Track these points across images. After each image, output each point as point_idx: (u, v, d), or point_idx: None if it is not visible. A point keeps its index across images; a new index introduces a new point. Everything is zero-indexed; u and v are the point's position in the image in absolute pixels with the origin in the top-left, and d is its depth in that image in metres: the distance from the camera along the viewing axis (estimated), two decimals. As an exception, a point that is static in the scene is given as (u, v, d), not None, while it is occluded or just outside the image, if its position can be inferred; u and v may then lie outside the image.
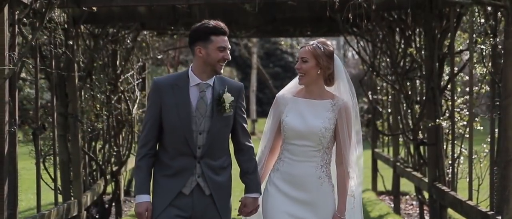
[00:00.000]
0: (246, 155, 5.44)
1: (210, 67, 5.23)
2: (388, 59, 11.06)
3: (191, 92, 5.23)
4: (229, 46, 5.28)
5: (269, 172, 5.60)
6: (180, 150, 5.23)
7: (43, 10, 6.80)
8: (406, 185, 13.10)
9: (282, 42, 28.02)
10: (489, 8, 7.25)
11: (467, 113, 8.57)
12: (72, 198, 8.77)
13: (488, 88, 7.60)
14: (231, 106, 5.25)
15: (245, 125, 5.44)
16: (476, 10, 7.53)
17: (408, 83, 10.44)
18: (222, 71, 5.27)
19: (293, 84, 5.58)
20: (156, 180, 5.31)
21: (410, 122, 10.48)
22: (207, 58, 5.20)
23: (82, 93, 9.50)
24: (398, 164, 12.19)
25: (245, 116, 5.43)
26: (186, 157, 5.23)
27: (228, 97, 5.23)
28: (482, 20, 7.45)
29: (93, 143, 10.38)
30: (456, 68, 8.95)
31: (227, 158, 5.37)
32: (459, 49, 9.22)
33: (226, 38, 5.26)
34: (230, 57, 5.25)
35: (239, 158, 5.44)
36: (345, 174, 5.44)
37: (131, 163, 12.03)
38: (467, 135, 8.18)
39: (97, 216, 10.92)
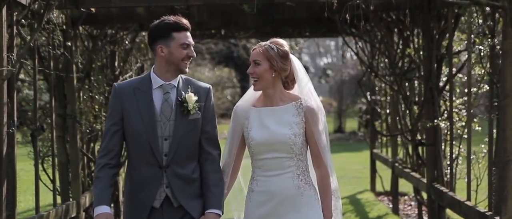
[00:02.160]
0: (210, 165, 4.92)
1: (173, 67, 4.83)
2: (386, 60, 11.06)
3: (155, 95, 4.83)
4: (193, 43, 4.87)
5: (231, 189, 5.16)
6: (145, 159, 4.81)
7: (42, 11, 6.81)
8: (405, 185, 13.11)
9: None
10: (487, 9, 7.26)
11: (466, 113, 8.58)
12: (71, 199, 8.77)
13: (487, 88, 7.61)
14: (196, 108, 4.83)
15: (212, 131, 4.94)
16: (474, 10, 7.53)
17: (406, 84, 10.44)
18: (187, 69, 4.86)
19: (251, 93, 5.14)
20: (126, 195, 4.91)
21: (409, 122, 10.48)
22: (170, 57, 4.81)
23: (81, 94, 9.51)
24: (397, 164, 12.19)
25: (214, 121, 4.97)
26: (151, 167, 4.81)
27: (190, 98, 4.82)
28: (480, 21, 7.45)
29: (92, 144, 10.38)
30: (454, 69, 8.96)
31: (197, 166, 4.93)
32: (457, 50, 9.24)
33: (188, 34, 4.85)
34: (194, 54, 4.86)
35: (202, 168, 4.93)
36: (325, 177, 5.02)
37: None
38: (466, 136, 8.19)
39: (95, 217, 10.90)
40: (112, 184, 4.85)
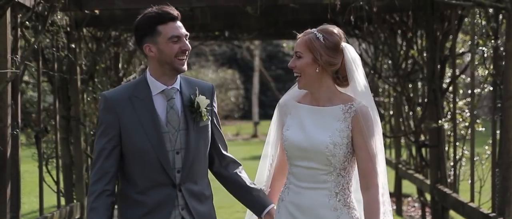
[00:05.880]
0: (237, 167, 4.32)
1: (168, 67, 4.06)
2: (389, 61, 11.07)
3: (156, 103, 4.08)
4: (186, 33, 4.09)
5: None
6: (154, 179, 4.05)
7: (46, 13, 6.82)
8: (408, 187, 13.11)
9: (284, 45, 28.07)
10: (490, 10, 7.26)
11: (469, 114, 8.58)
12: (75, 201, 8.78)
13: (491, 89, 7.61)
14: (208, 112, 4.14)
15: (222, 133, 4.32)
16: (478, 12, 7.54)
17: (410, 85, 10.46)
18: (185, 67, 4.09)
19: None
20: None
21: (412, 124, 10.48)
22: (161, 55, 4.04)
23: (85, 96, 9.51)
24: (400, 166, 12.20)
25: (219, 122, 4.33)
26: (163, 188, 4.06)
27: (202, 101, 4.10)
28: (484, 22, 7.46)
29: (96, 146, 10.38)
30: (457, 70, 8.97)
31: (208, 182, 4.25)
32: (460, 51, 9.24)
33: (177, 24, 4.06)
34: (189, 46, 4.06)
35: (232, 172, 4.30)
36: (375, 202, 4.03)
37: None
38: (469, 137, 8.19)
39: (99, 219, 10.90)
40: (110, 216, 4.07)
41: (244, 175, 4.32)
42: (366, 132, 4.03)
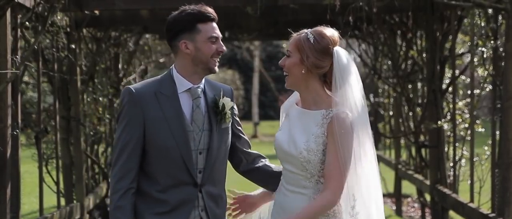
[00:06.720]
0: (264, 159, 4.30)
1: (201, 66, 4.03)
2: (389, 62, 11.08)
3: (182, 100, 4.03)
4: (221, 35, 4.07)
5: None
6: (176, 177, 3.99)
7: (46, 13, 6.82)
8: (408, 187, 13.11)
9: (284, 45, 28.11)
10: (490, 11, 7.27)
11: (469, 115, 8.59)
12: (75, 201, 8.78)
13: (491, 89, 7.62)
14: (231, 115, 4.12)
15: (244, 134, 4.33)
16: (477, 12, 7.55)
17: (409, 86, 10.46)
18: (216, 68, 4.08)
19: None
20: None
21: (412, 124, 10.49)
22: (197, 53, 4.00)
23: (85, 96, 9.52)
24: (400, 166, 12.21)
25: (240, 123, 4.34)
26: (184, 187, 4.01)
27: (227, 103, 4.08)
28: (483, 23, 7.47)
29: (96, 146, 10.40)
30: (457, 71, 8.98)
31: (224, 186, 4.19)
32: (460, 52, 9.25)
33: (215, 25, 4.05)
34: (225, 48, 4.07)
35: (261, 164, 4.26)
36: (316, 204, 3.89)
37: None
38: (469, 138, 8.20)
39: (99, 219, 10.91)
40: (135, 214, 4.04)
41: (272, 164, 4.28)
42: (338, 138, 3.85)
